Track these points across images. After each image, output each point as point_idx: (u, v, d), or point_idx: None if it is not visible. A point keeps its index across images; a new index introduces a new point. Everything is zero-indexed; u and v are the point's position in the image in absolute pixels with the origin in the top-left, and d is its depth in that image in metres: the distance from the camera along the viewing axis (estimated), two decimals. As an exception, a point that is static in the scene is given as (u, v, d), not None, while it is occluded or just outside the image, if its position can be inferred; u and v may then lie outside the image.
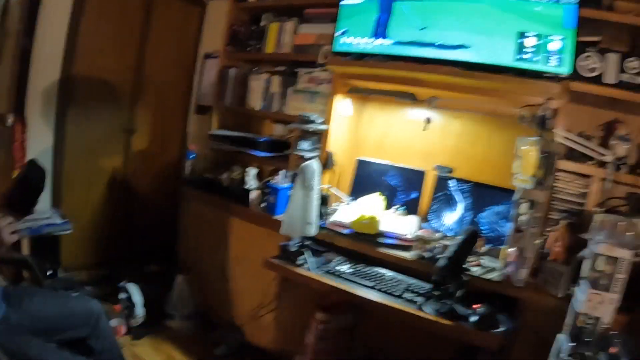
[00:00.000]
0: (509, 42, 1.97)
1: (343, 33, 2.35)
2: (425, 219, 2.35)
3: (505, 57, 1.97)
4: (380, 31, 2.26)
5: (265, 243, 2.39)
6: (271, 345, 2.47)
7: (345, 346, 2.28)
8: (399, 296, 1.84)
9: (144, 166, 3.32)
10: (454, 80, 2.08)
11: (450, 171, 2.33)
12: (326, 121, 2.42)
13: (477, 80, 2.03)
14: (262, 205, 2.50)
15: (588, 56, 1.92)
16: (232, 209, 2.60)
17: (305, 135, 2.44)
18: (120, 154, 3.20)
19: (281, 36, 2.71)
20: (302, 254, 2.08)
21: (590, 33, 1.95)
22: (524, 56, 1.96)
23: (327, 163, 2.44)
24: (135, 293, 2.62)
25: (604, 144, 1.95)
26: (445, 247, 1.94)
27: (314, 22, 2.62)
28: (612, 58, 1.89)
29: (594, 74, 1.90)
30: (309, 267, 2.01)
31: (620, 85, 1.87)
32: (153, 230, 3.34)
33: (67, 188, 2.90)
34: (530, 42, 1.95)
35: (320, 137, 2.42)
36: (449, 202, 2.33)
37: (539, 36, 1.93)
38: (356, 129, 2.68)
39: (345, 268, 2.04)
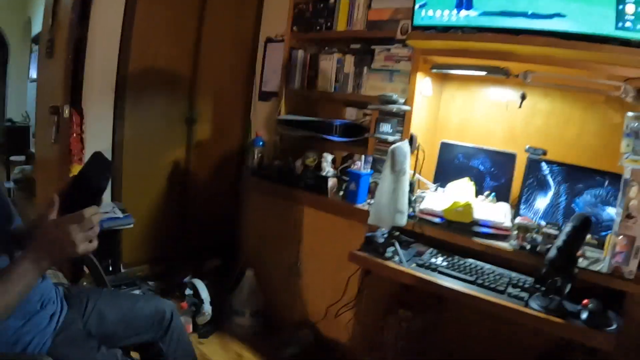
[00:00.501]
0: (608, 10, 1.85)
1: (422, 5, 2.26)
2: (516, 206, 2.25)
3: (605, 26, 1.85)
4: (464, 1, 2.17)
5: (345, 234, 2.40)
6: (347, 344, 2.46)
7: (425, 345, 2.26)
8: (503, 291, 1.78)
9: (205, 157, 3.39)
10: (552, 51, 1.98)
11: (544, 153, 2.24)
12: (408, 101, 2.36)
13: (577, 51, 1.91)
14: (340, 193, 2.46)
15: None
16: (306, 199, 2.59)
17: (386, 117, 2.40)
18: (181, 145, 3.28)
19: (353, 12, 2.68)
20: (391, 245, 2.04)
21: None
22: (626, 24, 1.83)
23: (410, 147, 2.37)
24: (202, 289, 2.67)
25: None
26: (549, 236, 1.86)
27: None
28: None
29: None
30: (401, 260, 1.97)
31: None
32: (213, 224, 3.39)
33: (126, 181, 2.99)
34: (630, 9, 1.82)
35: (402, 118, 2.37)
36: (542, 187, 2.25)
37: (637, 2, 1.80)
38: (436, 110, 2.63)
39: (439, 261, 2.00)
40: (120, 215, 2.60)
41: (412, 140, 2.35)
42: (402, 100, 2.35)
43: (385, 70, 2.55)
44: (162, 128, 3.13)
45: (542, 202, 2.23)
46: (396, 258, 2.01)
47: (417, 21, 2.29)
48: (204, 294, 2.63)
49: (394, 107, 2.34)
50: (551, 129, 2.34)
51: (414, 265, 1.96)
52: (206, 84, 3.27)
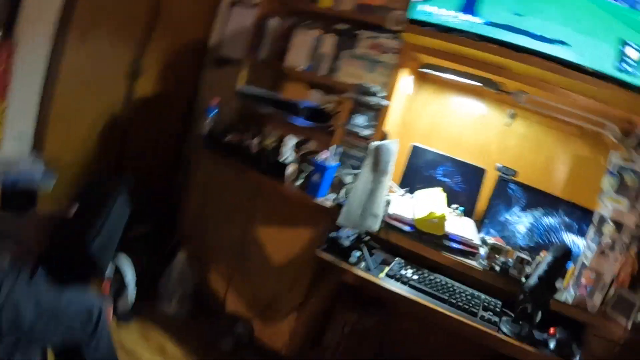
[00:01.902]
0: (610, 49, 1.86)
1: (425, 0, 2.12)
2: (481, 223, 2.21)
3: (606, 64, 1.87)
4: (470, 6, 2.06)
5: (298, 227, 2.23)
6: (287, 341, 2.27)
7: (369, 348, 2.17)
8: (476, 314, 1.73)
9: (147, 115, 2.96)
10: (550, 76, 1.95)
11: (514, 174, 2.24)
12: (388, 96, 2.20)
13: (574, 81, 1.90)
14: (299, 182, 2.26)
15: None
16: (260, 181, 2.35)
17: (361, 108, 2.23)
18: (121, 99, 2.81)
19: None
20: (357, 249, 1.88)
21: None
22: (626, 67, 1.86)
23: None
24: (128, 270, 2.29)
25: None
26: (522, 260, 1.82)
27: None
28: None
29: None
30: (369, 268, 1.82)
31: None
32: (150, 191, 3.00)
33: (53, 130, 2.49)
34: (632, 53, 1.86)
35: (378, 113, 2.21)
36: (508, 207, 2.23)
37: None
38: (409, 110, 2.49)
39: (410, 273, 1.89)
40: (39, 172, 2.15)
41: (385, 138, 2.22)
42: (382, 94, 2.20)
43: (368, 59, 2.38)
44: (104, 76, 2.66)
45: (505, 221, 2.22)
46: (362, 264, 1.87)
47: (414, 14, 2.16)
48: (129, 275, 2.26)
49: (372, 100, 2.18)
50: (524, 151, 2.34)
51: (383, 275, 1.83)
52: (160, 36, 2.85)
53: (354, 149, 2.26)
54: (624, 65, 1.86)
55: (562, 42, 1.91)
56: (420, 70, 2.26)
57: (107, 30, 2.57)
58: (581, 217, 2.10)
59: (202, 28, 3.15)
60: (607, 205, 1.83)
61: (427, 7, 2.12)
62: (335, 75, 2.46)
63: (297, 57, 2.55)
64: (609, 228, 1.81)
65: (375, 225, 1.86)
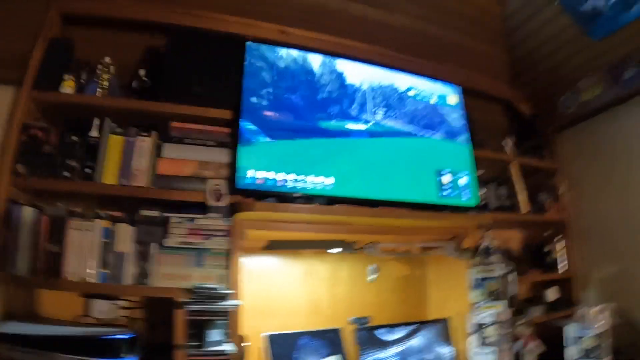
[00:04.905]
0: (431, 180, 2.20)
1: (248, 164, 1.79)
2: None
3: (430, 194, 2.17)
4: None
5: None
6: None
7: None
8: None
9: None
10: (395, 221, 2.07)
11: (367, 321, 2.20)
12: (233, 292, 1.72)
13: (419, 220, 2.10)
14: None
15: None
16: None
17: (213, 318, 1.70)
18: None
19: (130, 159, 1.79)
20: None
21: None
22: (445, 192, 2.22)
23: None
24: None
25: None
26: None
27: (188, 142, 1.87)
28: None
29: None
30: None
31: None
32: None
33: None
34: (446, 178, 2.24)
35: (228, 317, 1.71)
36: (378, 348, 2.17)
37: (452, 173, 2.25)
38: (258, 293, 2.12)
39: None
40: None
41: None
42: (228, 291, 1.70)
43: (189, 250, 1.77)
44: None
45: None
46: None
47: (241, 183, 1.78)
48: None
49: (218, 305, 1.66)
50: (377, 294, 2.39)
51: None
52: None
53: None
54: (444, 192, 2.21)
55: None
56: (265, 251, 1.86)
57: None
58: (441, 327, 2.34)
59: None
60: (483, 313, 2.11)
61: (260, 173, 1.79)
62: (148, 282, 1.74)
63: (80, 264, 1.71)
64: (491, 330, 2.08)
65: None
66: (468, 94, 2.54)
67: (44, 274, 1.67)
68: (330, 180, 1.93)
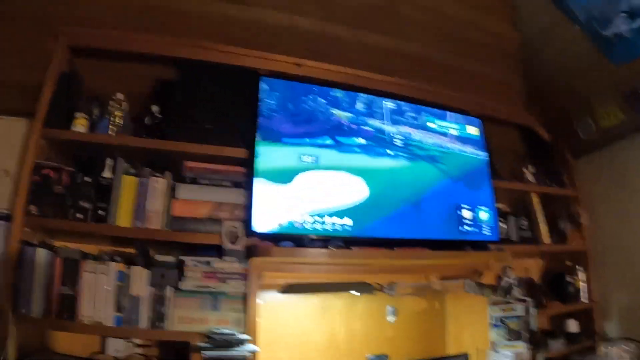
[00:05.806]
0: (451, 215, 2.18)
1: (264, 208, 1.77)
2: None
3: (450, 230, 2.15)
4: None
5: None
6: None
7: None
8: None
9: None
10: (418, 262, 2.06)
11: (386, 358, 2.16)
12: (250, 339, 1.68)
13: (439, 259, 2.07)
14: None
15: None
16: None
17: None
18: None
19: (145, 201, 1.76)
20: None
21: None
22: (465, 227, 2.20)
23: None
24: None
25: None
26: None
27: (202, 182, 1.84)
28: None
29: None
30: None
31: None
32: None
33: None
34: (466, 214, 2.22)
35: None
36: None
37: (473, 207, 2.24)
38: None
39: None
40: None
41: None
42: (245, 337, 1.66)
43: (205, 294, 1.73)
44: None
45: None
46: None
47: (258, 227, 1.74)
48: None
49: (233, 353, 1.62)
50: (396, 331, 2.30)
51: None
52: None
53: None
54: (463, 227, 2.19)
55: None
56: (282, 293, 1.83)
57: None
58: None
59: None
60: (503, 353, 2.08)
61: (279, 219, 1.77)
62: (164, 326, 1.70)
63: (95, 307, 1.72)
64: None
65: None
66: (486, 120, 2.49)
67: (57, 315, 1.65)
68: (348, 222, 1.89)
